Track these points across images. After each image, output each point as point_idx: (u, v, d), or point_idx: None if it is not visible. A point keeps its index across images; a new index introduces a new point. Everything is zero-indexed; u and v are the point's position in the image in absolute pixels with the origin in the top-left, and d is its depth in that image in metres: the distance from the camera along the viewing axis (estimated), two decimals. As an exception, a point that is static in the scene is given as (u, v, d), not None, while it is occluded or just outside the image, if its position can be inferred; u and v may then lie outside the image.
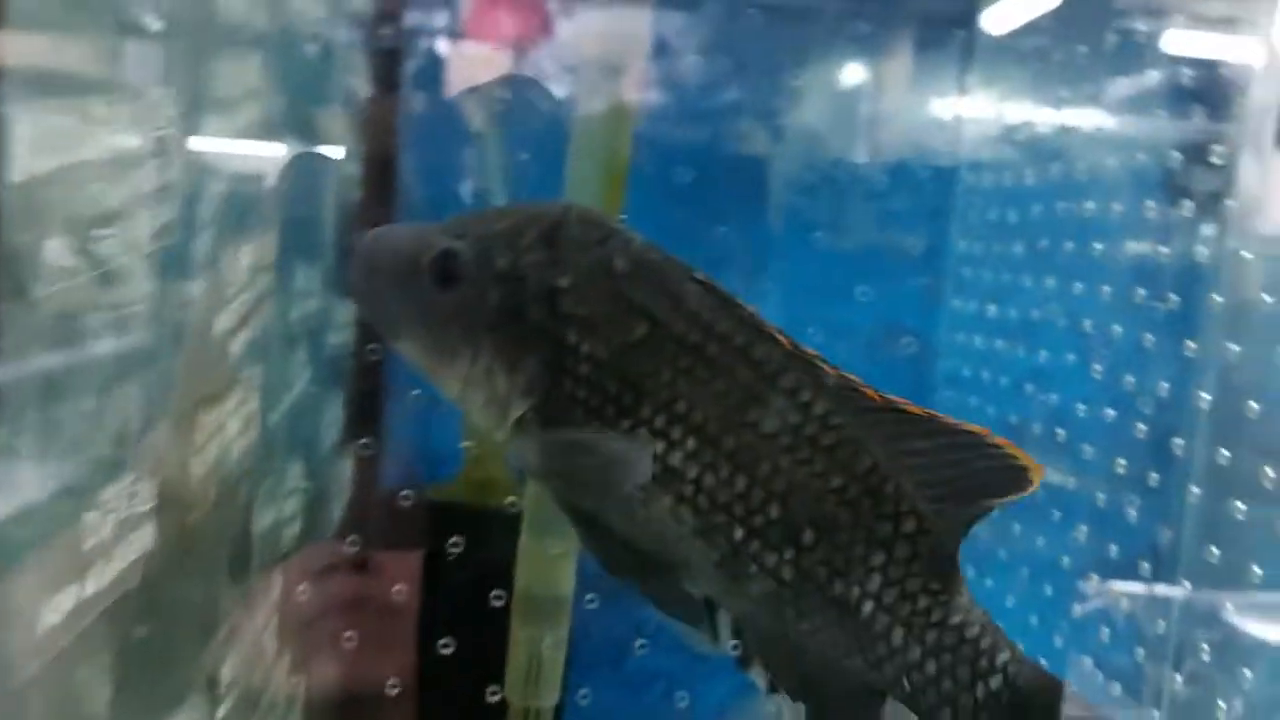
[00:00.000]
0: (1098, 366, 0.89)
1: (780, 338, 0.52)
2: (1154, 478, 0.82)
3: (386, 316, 0.54)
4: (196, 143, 0.57)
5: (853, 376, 0.52)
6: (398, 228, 0.57)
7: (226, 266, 0.61)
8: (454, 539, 0.78)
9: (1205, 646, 0.76)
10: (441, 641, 0.78)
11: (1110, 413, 0.87)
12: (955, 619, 0.52)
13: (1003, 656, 0.52)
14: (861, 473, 0.51)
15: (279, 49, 0.75)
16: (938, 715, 0.52)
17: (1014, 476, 0.52)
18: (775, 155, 1.05)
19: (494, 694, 0.81)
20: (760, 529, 0.51)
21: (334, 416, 0.88)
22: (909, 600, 0.52)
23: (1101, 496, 0.85)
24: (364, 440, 0.83)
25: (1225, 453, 0.74)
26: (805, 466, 0.51)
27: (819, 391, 0.51)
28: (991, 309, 1.05)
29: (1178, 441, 0.79)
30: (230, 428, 0.62)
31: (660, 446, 0.51)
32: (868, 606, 0.52)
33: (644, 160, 0.95)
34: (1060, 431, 0.92)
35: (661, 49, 0.99)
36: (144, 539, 0.51)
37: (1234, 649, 0.73)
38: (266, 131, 0.70)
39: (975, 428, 0.52)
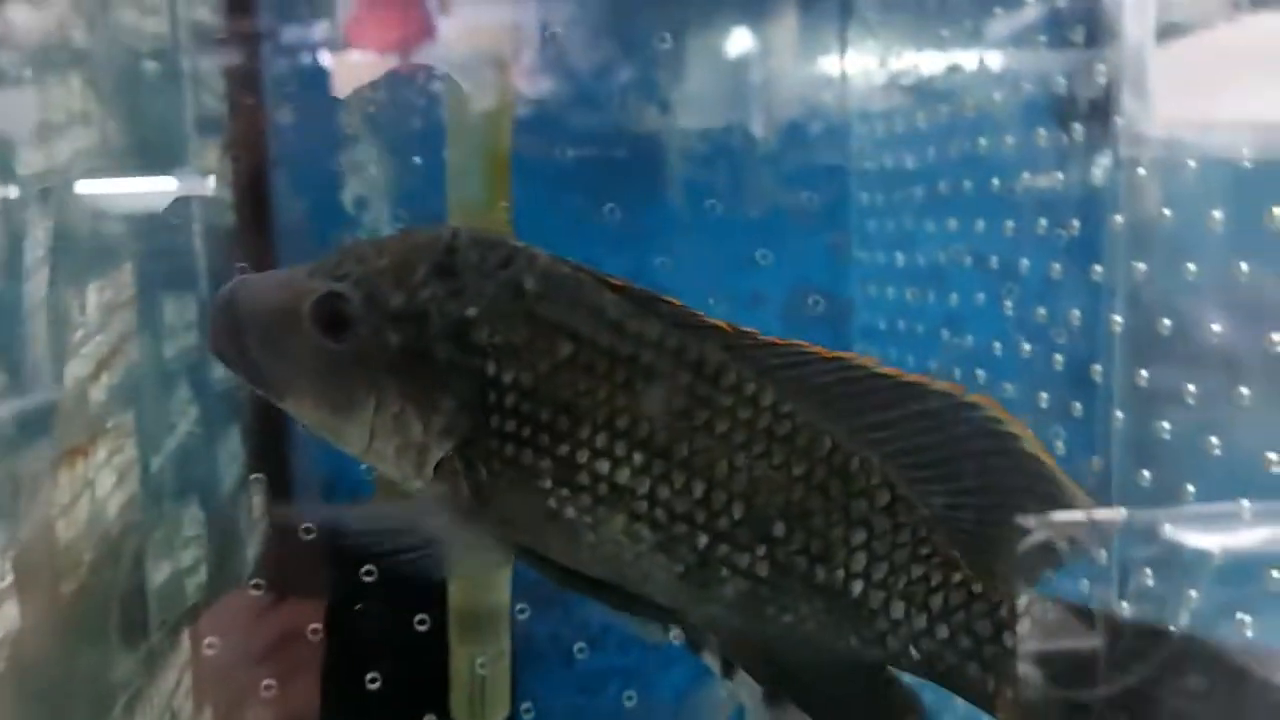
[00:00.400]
0: (1008, 303, 0.88)
1: (719, 327, 0.50)
2: (1077, 407, 0.81)
3: (266, 375, 0.50)
4: (22, 178, 0.52)
5: (809, 346, 0.50)
6: (260, 277, 0.53)
7: (71, 308, 0.56)
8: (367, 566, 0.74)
9: (1147, 568, 0.75)
10: (369, 676, 0.74)
11: (1027, 347, 0.86)
12: (957, 577, 0.51)
13: (1021, 600, 0.50)
14: (823, 455, 0.50)
15: (125, 74, 0.70)
16: (964, 671, 0.50)
17: (992, 433, 0.49)
18: (668, 130, 1.03)
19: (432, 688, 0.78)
20: (727, 532, 0.49)
21: (232, 453, 0.84)
22: (902, 572, 0.50)
23: (1029, 432, 0.85)
24: (256, 475, 0.78)
25: (1144, 373, 0.73)
26: (764, 460, 0.50)
27: (766, 382, 0.50)
28: (900, 258, 1.03)
29: (1096, 368, 0.79)
30: (103, 482, 0.58)
31: (605, 466, 0.49)
32: (857, 586, 0.50)
33: (536, 147, 0.93)
34: (980, 373, 0.91)
35: (546, 34, 0.95)
36: (6, 619, 0.46)
37: (1175, 565, 0.73)
38: (112, 161, 0.66)
39: (949, 386, 0.50)
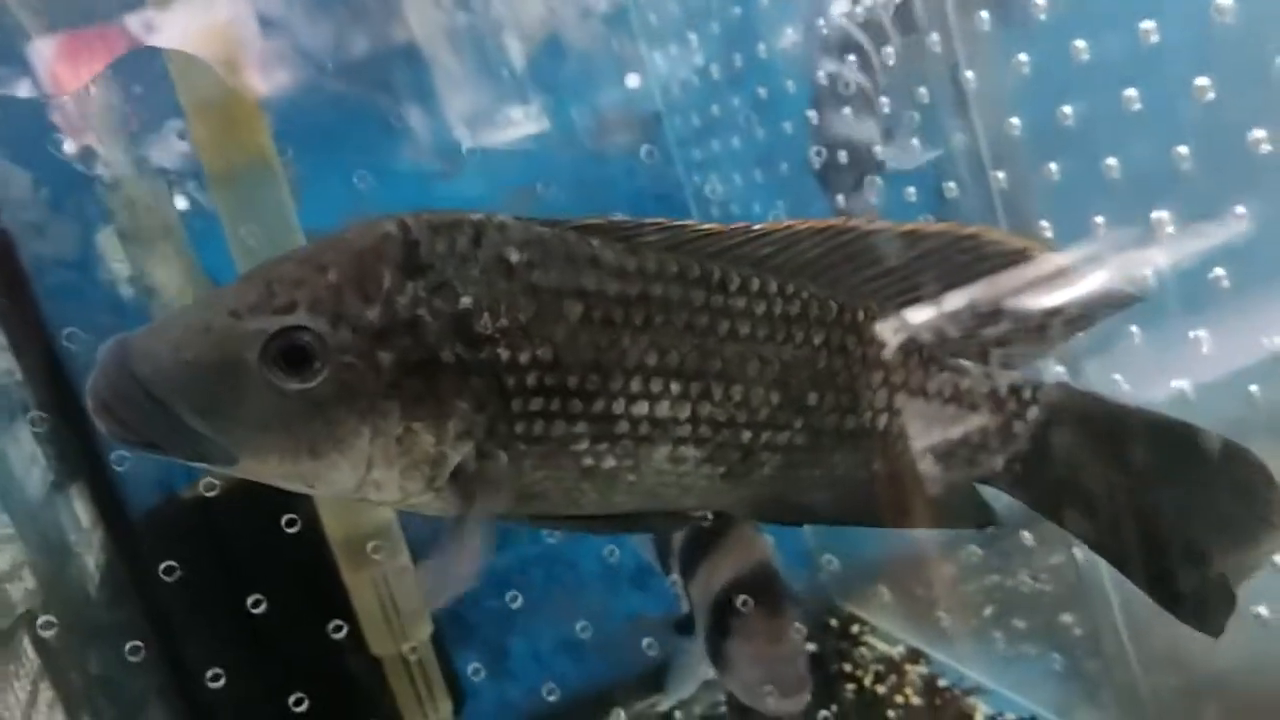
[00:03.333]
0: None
1: (711, 231, 0.50)
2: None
3: (209, 442, 0.42)
4: None
5: (800, 223, 0.51)
6: (149, 333, 0.43)
7: None
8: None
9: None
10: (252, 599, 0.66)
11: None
12: (965, 383, 0.53)
13: (1027, 391, 0.53)
14: (834, 319, 0.51)
15: None
16: (976, 458, 0.53)
17: (991, 256, 0.51)
18: (435, 53, 0.97)
19: (338, 629, 0.71)
20: (767, 420, 0.50)
21: (27, 454, 0.73)
22: (919, 394, 0.52)
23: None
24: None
25: (1014, 121, 0.70)
26: (788, 343, 0.51)
27: (765, 273, 0.50)
28: (715, 70, 1.00)
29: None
30: None
31: (645, 406, 0.48)
32: (883, 420, 0.52)
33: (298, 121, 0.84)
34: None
35: (267, 22, 0.88)
36: None
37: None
38: None
39: (945, 226, 0.52)
